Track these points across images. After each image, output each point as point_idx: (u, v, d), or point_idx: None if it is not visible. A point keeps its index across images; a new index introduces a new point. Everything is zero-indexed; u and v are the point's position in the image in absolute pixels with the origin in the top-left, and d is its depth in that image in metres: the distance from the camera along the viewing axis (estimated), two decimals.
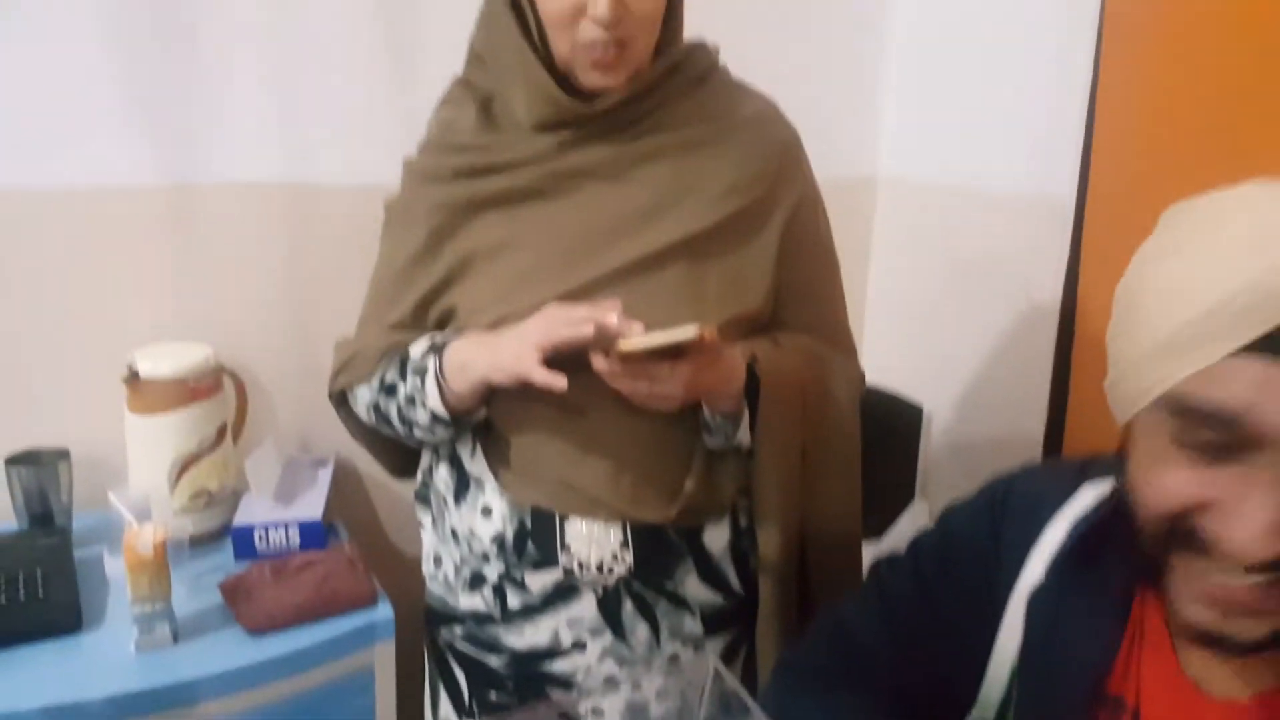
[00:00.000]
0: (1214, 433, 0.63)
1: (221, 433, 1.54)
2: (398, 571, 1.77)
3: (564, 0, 1.02)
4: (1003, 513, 0.90)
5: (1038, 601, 0.86)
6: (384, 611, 1.34)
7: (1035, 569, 0.86)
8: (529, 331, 1.03)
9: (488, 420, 1.17)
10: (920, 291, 2.04)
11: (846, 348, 1.28)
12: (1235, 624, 0.66)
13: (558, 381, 1.01)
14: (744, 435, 1.15)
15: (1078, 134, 1.60)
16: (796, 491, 1.19)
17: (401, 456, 1.34)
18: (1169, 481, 0.65)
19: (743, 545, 1.22)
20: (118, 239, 1.55)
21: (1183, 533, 0.66)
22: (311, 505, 1.51)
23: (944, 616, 0.93)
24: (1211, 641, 0.67)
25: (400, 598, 1.40)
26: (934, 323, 2.00)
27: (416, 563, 1.76)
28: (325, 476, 1.61)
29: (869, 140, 2.06)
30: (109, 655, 1.22)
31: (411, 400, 1.14)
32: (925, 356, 2.00)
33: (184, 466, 1.49)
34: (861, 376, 1.30)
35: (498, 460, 1.17)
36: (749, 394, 1.13)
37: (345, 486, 1.73)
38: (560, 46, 1.06)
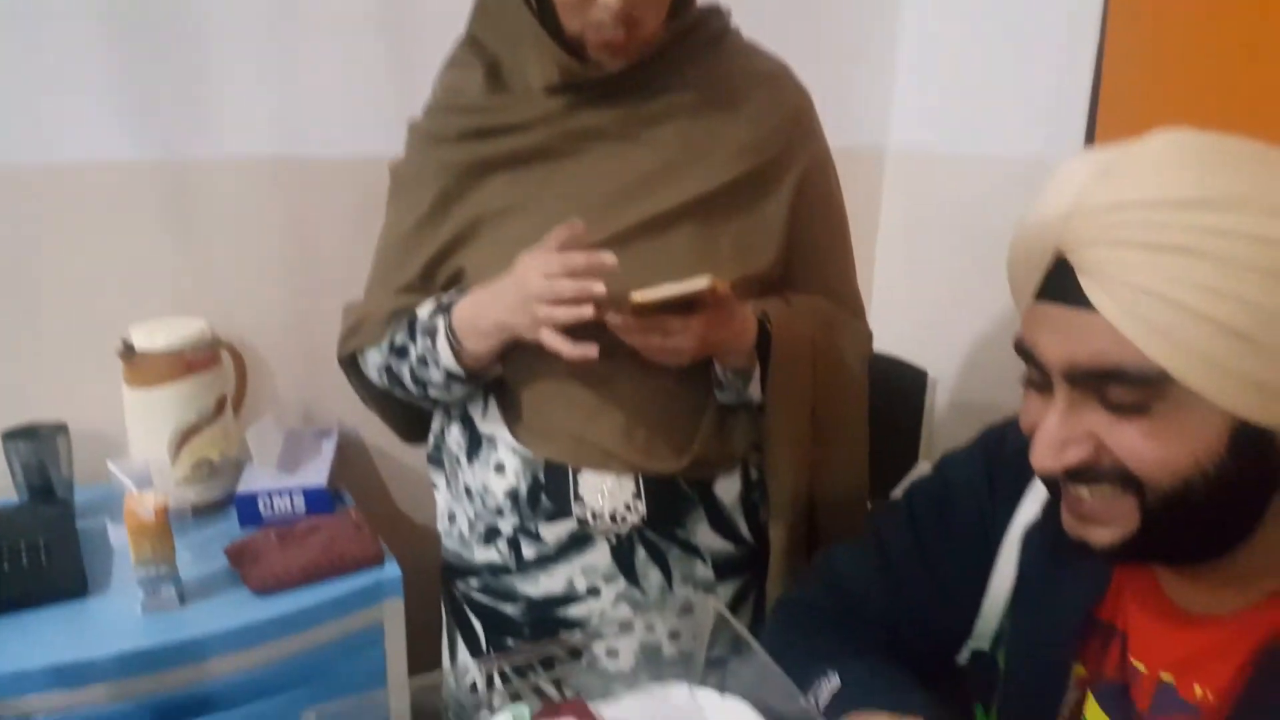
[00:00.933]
0: (1033, 370, 0.72)
1: (221, 405, 1.53)
2: (406, 535, 1.77)
3: None
4: (998, 458, 0.92)
5: (1032, 538, 0.88)
6: (391, 570, 1.33)
7: (1030, 508, 0.89)
8: (531, 284, 1.02)
9: (500, 378, 1.17)
10: (927, 259, 2.04)
11: (856, 308, 1.28)
12: (1090, 531, 0.72)
13: (589, 351, 1.01)
14: (755, 391, 1.14)
15: (1084, 102, 1.60)
16: (806, 447, 1.19)
17: (412, 420, 1.33)
18: (1022, 417, 0.75)
19: (753, 497, 1.22)
20: (113, 214, 1.55)
21: None
22: (316, 472, 1.50)
23: (938, 559, 0.95)
24: (1082, 548, 0.74)
25: (408, 559, 1.39)
26: (941, 290, 2.00)
27: (424, 527, 1.78)
28: (329, 446, 1.60)
29: (879, 109, 2.07)
30: (116, 618, 1.21)
31: (424, 361, 1.13)
32: (931, 323, 2.00)
33: (184, 438, 1.48)
34: (869, 336, 1.30)
35: (511, 416, 1.16)
36: (760, 351, 1.13)
37: (350, 456, 1.72)
38: (570, 25, 1.06)
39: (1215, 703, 0.73)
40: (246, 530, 1.42)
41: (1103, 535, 0.72)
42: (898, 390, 1.89)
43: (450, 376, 1.12)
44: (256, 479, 1.49)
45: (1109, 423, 0.68)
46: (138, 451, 1.49)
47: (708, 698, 0.97)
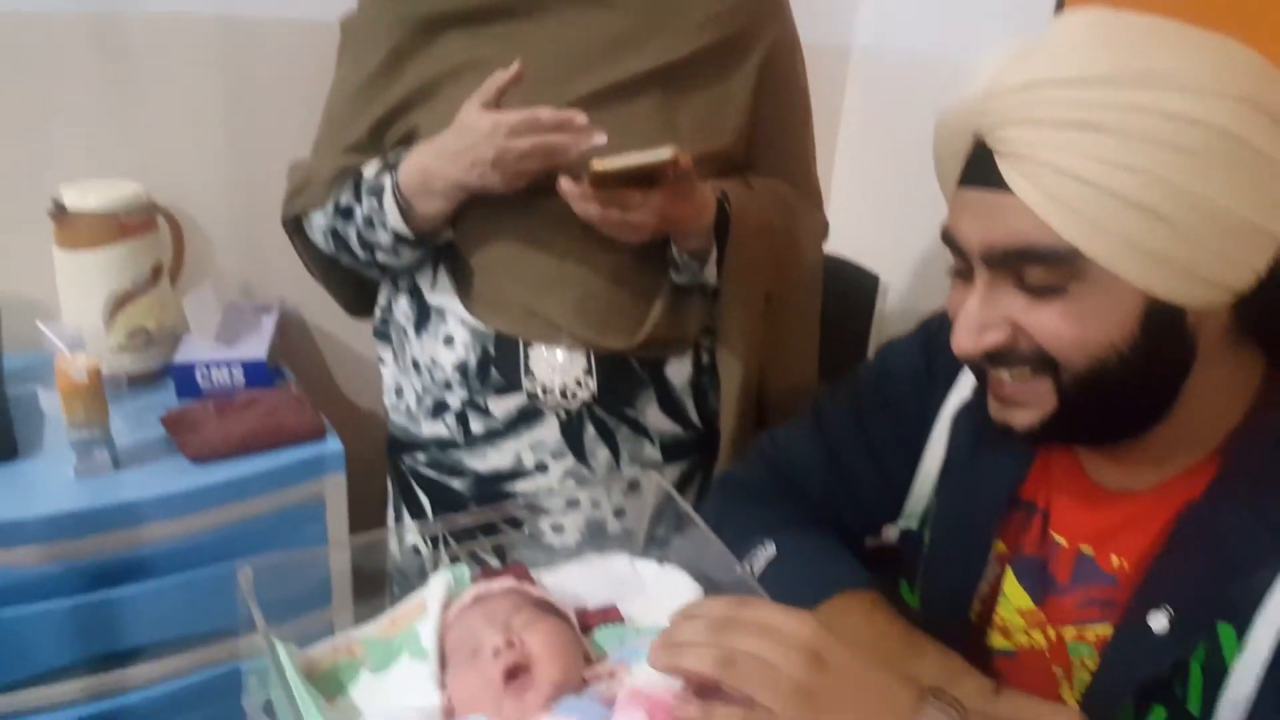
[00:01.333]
0: (957, 257, 0.73)
1: (157, 272, 1.48)
2: (349, 414, 1.75)
3: None
4: (935, 345, 0.93)
5: (961, 420, 0.90)
6: (333, 445, 1.32)
7: (961, 392, 0.90)
8: (483, 141, 0.99)
9: (451, 247, 1.14)
10: (885, 163, 2.03)
11: (814, 197, 1.27)
12: (1012, 414, 0.74)
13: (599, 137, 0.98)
14: (711, 273, 1.13)
15: (1049, 5, 1.58)
16: (759, 333, 1.19)
17: (358, 291, 1.30)
18: (948, 305, 0.76)
19: (704, 381, 1.22)
20: (39, 69, 1.47)
21: None
22: (255, 346, 1.47)
23: (875, 439, 0.97)
24: (1005, 431, 0.75)
25: (351, 438, 1.38)
26: (896, 195, 2.00)
27: (369, 409, 1.76)
28: (269, 321, 1.57)
29: (845, 7, 2.03)
30: (47, 480, 1.19)
31: (370, 222, 1.10)
32: (886, 227, 2.00)
33: (118, 304, 1.43)
34: (826, 226, 1.29)
35: (461, 287, 1.14)
36: (718, 232, 1.11)
37: (291, 334, 1.69)
38: None
39: (1131, 571, 0.76)
40: (184, 402, 1.39)
41: (1023, 418, 0.73)
42: (848, 293, 1.90)
43: (398, 239, 1.09)
44: (194, 350, 1.46)
45: (1026, 305, 0.69)
46: (70, 317, 1.44)
47: (647, 568, 0.98)
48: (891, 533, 0.95)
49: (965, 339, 0.72)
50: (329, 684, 0.77)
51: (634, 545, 1.03)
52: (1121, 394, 0.70)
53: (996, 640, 0.87)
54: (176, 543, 1.18)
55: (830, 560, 0.90)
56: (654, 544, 1.01)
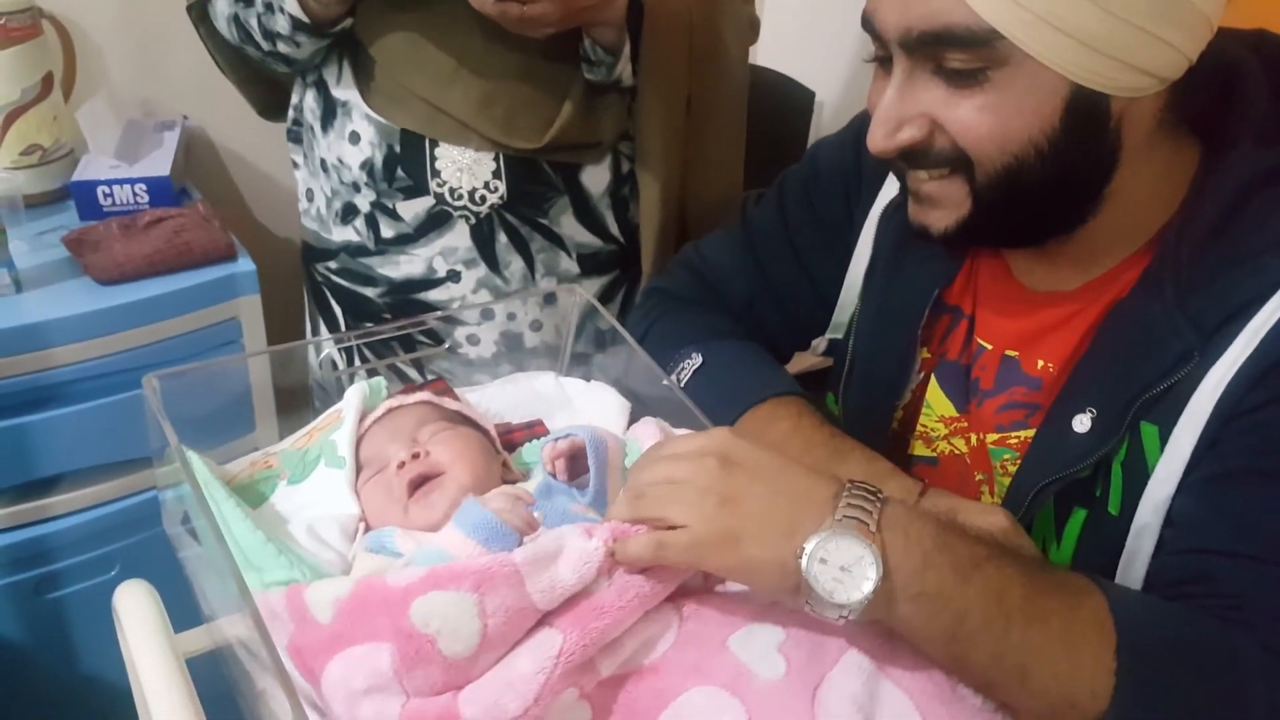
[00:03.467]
0: (876, 44, 0.69)
1: (48, 83, 1.37)
2: (262, 236, 1.69)
3: None
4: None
5: (888, 217, 0.87)
6: (245, 265, 1.26)
7: (891, 190, 0.87)
8: None
9: (353, 37, 1.06)
10: None
11: None
12: (928, 215, 0.73)
13: None
14: (625, 70, 1.07)
15: None
16: (680, 137, 1.13)
17: (268, 89, 1.22)
18: (868, 99, 0.73)
19: (623, 191, 1.17)
20: None
21: None
22: (159, 163, 1.39)
23: (803, 242, 0.94)
24: (923, 233, 0.74)
25: (265, 259, 1.32)
26: (833, 9, 1.91)
27: (281, 228, 1.69)
28: (172, 137, 1.47)
29: None
30: None
31: (270, 6, 1.02)
32: (822, 40, 1.93)
33: (8, 118, 1.33)
34: (755, 23, 1.22)
35: (364, 81, 1.08)
36: (632, 27, 1.04)
37: (198, 152, 1.59)
38: None
39: (1055, 373, 0.76)
40: (87, 223, 1.32)
41: (939, 219, 0.72)
42: (782, 110, 1.84)
43: (295, 25, 1.01)
44: (94, 169, 1.37)
45: (945, 98, 0.66)
46: None
47: (573, 385, 0.97)
48: (819, 344, 0.95)
49: (880, 135, 0.69)
50: (247, 496, 0.76)
51: (556, 361, 1.01)
52: (1040, 195, 0.68)
53: (918, 448, 0.88)
54: (87, 368, 1.14)
55: (756, 367, 0.89)
56: (577, 361, 0.99)
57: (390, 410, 0.81)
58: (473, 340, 1.13)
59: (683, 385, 0.88)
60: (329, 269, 1.17)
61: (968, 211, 0.70)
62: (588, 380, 0.96)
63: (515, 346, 1.12)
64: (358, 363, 1.11)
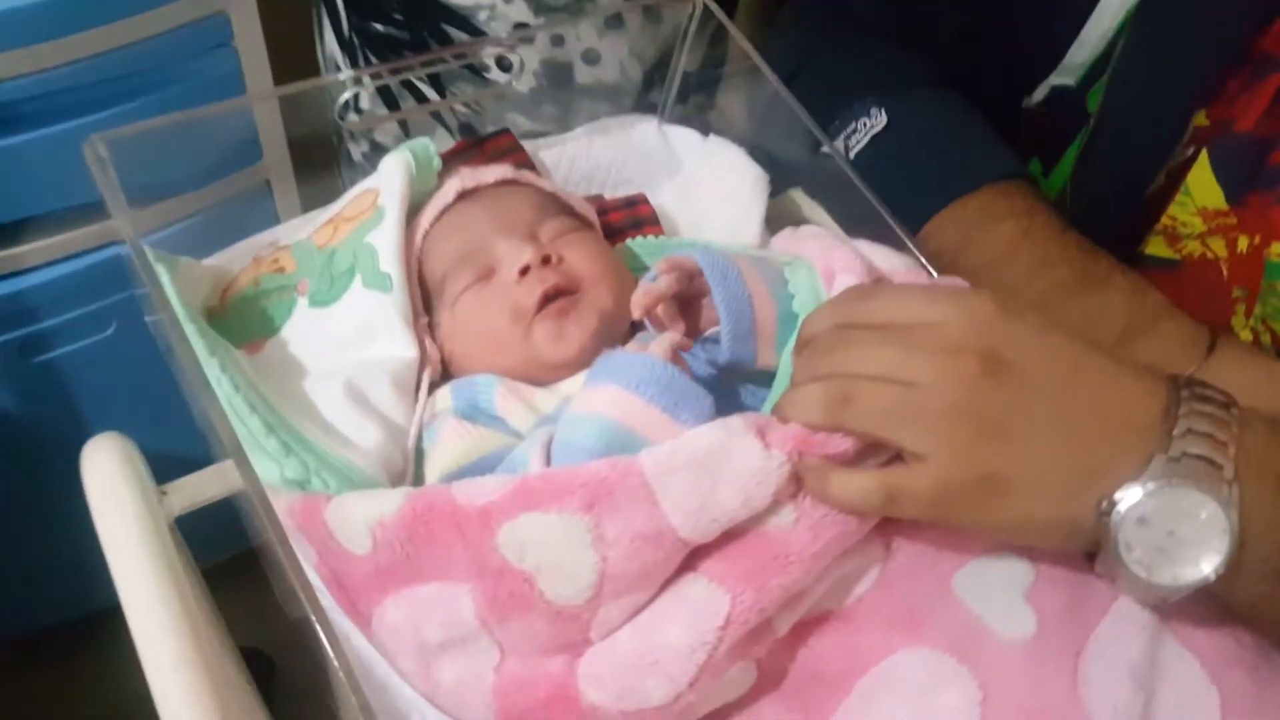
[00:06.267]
0: None
1: None
2: None
3: None
4: None
5: None
6: None
7: None
8: None
9: None
10: None
11: None
12: None
13: None
14: None
15: None
16: None
17: None
18: None
19: None
20: None
21: None
22: None
23: None
24: None
25: None
26: None
27: None
28: None
29: None
30: None
31: None
32: None
33: None
34: None
35: None
36: None
37: None
38: None
39: None
40: None
41: None
42: None
43: None
44: None
45: None
46: None
47: (684, 138, 0.71)
48: (1037, 94, 0.68)
49: None
50: (250, 319, 0.54)
51: (643, 101, 0.74)
52: None
53: (1155, 247, 0.66)
54: (32, 84, 0.87)
55: (965, 133, 0.64)
56: (684, 105, 0.73)
57: (466, 193, 0.57)
58: (504, 66, 0.81)
59: (852, 156, 0.63)
60: None
61: None
62: (705, 132, 0.70)
63: (562, 81, 0.83)
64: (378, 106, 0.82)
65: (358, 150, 0.91)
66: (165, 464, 0.54)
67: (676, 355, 0.46)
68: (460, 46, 0.78)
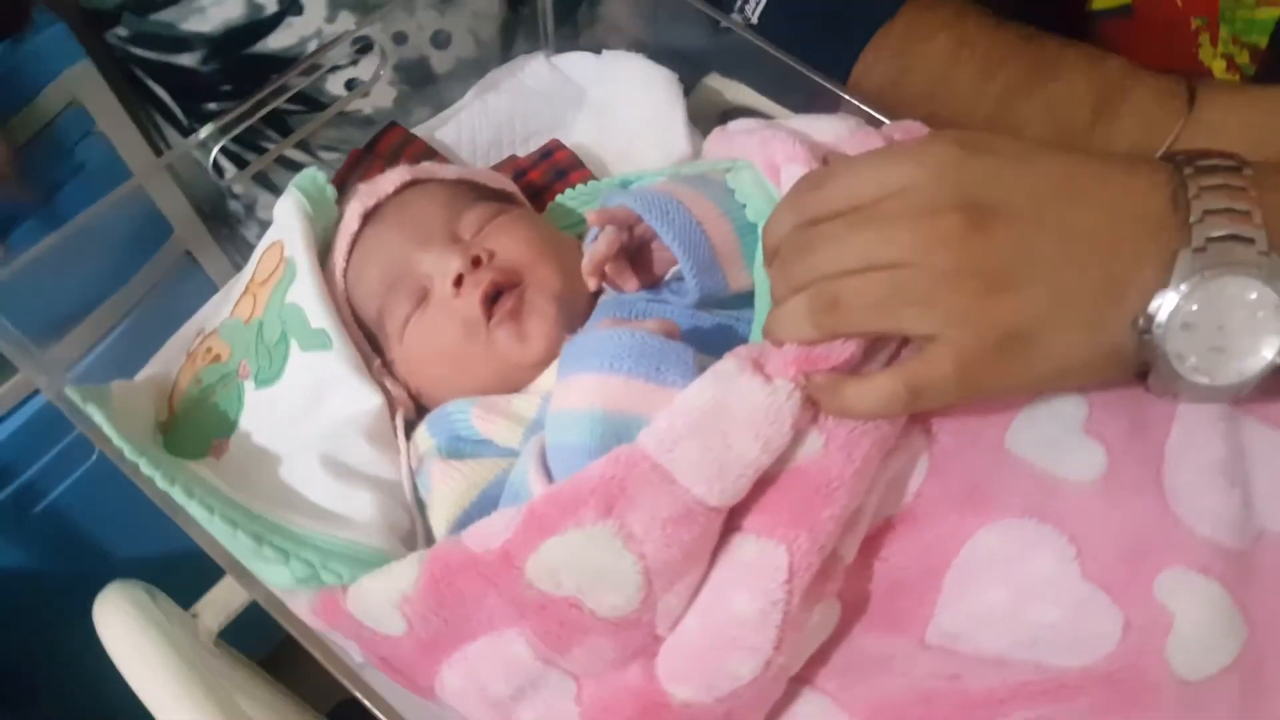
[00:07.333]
0: None
1: None
2: None
3: None
4: None
5: None
6: (54, 29, 0.87)
7: None
8: None
9: None
10: None
11: None
12: None
13: None
14: None
15: None
16: None
17: None
18: None
19: None
20: None
21: None
22: None
23: None
24: None
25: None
26: None
27: None
28: None
29: None
30: None
31: None
32: None
33: None
34: None
35: None
36: None
37: None
38: None
39: None
40: None
41: None
42: None
43: None
44: None
45: None
46: None
47: (578, 64, 0.66)
48: None
49: None
50: (206, 424, 0.51)
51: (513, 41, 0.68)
52: None
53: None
54: None
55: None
56: (567, 28, 0.67)
57: (371, 213, 0.53)
58: (352, 86, 0.73)
59: (755, 22, 0.57)
60: (119, 37, 0.79)
61: None
62: (596, 52, 0.65)
63: (422, 78, 0.74)
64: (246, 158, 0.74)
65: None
66: (195, 568, 0.51)
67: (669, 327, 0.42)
68: (299, 66, 0.69)
